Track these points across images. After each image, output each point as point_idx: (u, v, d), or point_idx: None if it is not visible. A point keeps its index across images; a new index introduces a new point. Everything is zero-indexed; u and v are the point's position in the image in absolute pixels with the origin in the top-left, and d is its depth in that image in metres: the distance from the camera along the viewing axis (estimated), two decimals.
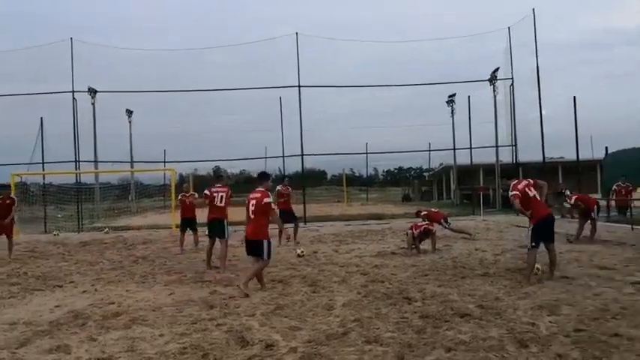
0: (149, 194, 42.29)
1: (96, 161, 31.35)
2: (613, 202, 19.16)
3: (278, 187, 15.90)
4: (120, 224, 27.29)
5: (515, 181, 8.91)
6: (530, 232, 8.60)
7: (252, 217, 8.50)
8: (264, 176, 9.15)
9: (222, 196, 11.04)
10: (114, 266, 11.84)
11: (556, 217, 14.24)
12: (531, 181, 8.87)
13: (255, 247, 8.46)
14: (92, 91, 30.34)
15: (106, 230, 23.12)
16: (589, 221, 13.83)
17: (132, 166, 35.50)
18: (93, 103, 31.13)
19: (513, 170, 10.67)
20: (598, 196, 23.43)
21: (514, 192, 8.67)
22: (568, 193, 19.41)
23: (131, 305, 7.62)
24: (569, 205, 14.83)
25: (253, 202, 8.49)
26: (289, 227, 15.92)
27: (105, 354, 5.34)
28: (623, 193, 17.70)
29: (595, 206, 14.15)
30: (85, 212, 28.74)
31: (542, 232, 8.50)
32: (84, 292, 8.86)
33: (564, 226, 15.70)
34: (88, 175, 32.37)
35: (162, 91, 29.24)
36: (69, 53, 26.25)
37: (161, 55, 29.62)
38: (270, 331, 6.01)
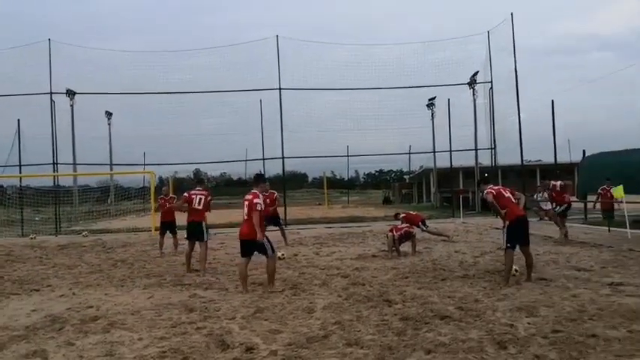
0: (129, 197, 41.86)
1: (75, 163, 30.98)
2: (598, 205, 19.27)
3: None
4: (99, 227, 27.01)
5: (491, 186, 9.07)
6: (505, 232, 8.70)
7: (245, 217, 8.57)
8: (259, 178, 9.30)
9: (200, 199, 10.98)
10: (92, 270, 11.71)
11: (533, 219, 14.47)
12: (508, 189, 9.06)
13: (251, 246, 8.56)
14: (71, 93, 30.03)
15: (84, 233, 22.89)
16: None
17: (111, 169, 35.13)
18: (71, 105, 30.80)
19: (487, 174, 10.77)
20: (574, 198, 23.69)
21: (489, 190, 8.84)
22: (545, 195, 19.61)
23: (110, 309, 7.54)
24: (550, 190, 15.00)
25: (246, 203, 8.57)
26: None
27: (83, 358, 5.29)
28: (609, 196, 17.31)
29: (567, 205, 14.69)
30: (63, 215, 28.38)
31: (517, 233, 8.59)
32: (61, 296, 8.75)
33: (543, 229, 15.91)
34: (66, 178, 31.99)
35: (141, 93, 28.97)
36: (47, 54, 25.96)
37: (141, 57, 29.23)
38: (250, 334, 5.99)
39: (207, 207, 11.18)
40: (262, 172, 9.40)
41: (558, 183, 14.94)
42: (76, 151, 31.51)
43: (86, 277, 10.60)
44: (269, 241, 8.62)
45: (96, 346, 5.69)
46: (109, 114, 37.60)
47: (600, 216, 19.29)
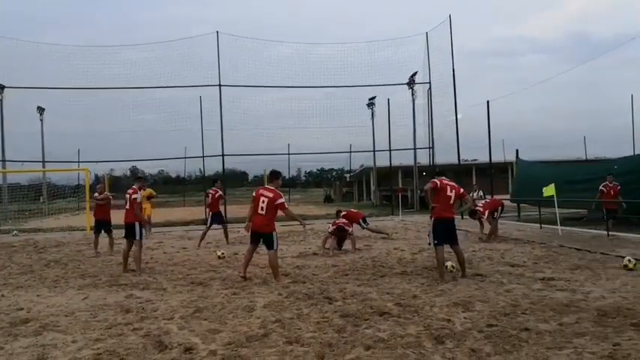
0: (62, 195, 40.52)
1: (4, 160, 29.76)
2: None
3: (209, 190, 16.12)
4: (30, 226, 26.02)
5: (442, 179, 9.05)
6: (431, 227, 8.90)
7: (261, 212, 8.90)
8: (276, 175, 9.45)
9: (134, 198, 10.68)
10: (23, 270, 11.26)
11: (469, 218, 14.82)
12: (461, 190, 9.10)
13: (264, 238, 9.03)
14: None
15: (14, 233, 22.03)
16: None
17: (44, 166, 33.87)
18: (0, 100, 29.58)
19: (440, 170, 11.00)
20: (507, 197, 24.48)
21: (436, 180, 8.90)
22: (481, 194, 20.05)
23: (42, 311, 7.28)
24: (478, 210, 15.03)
25: (264, 199, 8.90)
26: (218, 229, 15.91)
27: None
28: (612, 193, 15.42)
29: (500, 207, 15.02)
30: None
31: (442, 232, 8.79)
32: None
33: (479, 227, 16.32)
34: None
35: (75, 88, 27.91)
36: None
37: (75, 52, 28.28)
38: (189, 334, 5.89)
39: (137, 204, 10.78)
40: (278, 170, 9.59)
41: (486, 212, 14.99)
42: (5, 147, 30.26)
43: (16, 279, 10.19)
44: (277, 237, 9.17)
45: (27, 350, 5.47)
46: (40, 109, 36.22)
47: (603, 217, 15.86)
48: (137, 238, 10.62)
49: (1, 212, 30.85)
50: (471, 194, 16.28)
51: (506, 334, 5.46)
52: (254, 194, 9.12)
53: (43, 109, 36.27)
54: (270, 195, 8.95)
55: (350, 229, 13.02)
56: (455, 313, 6.50)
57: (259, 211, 8.94)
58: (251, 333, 5.82)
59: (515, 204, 23.26)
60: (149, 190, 19.65)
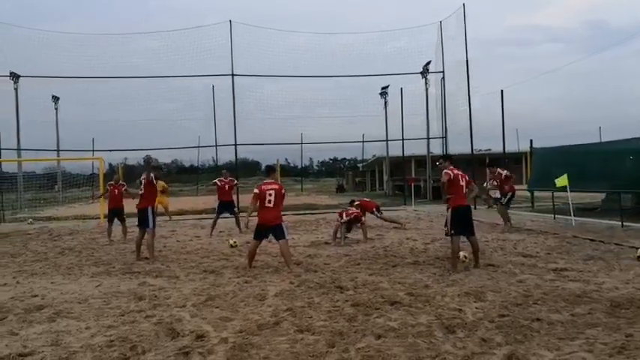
0: (77, 184, 40.85)
1: (19, 149, 29.99)
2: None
3: (216, 180, 16.10)
4: (45, 215, 26.27)
5: (452, 167, 9.07)
6: (450, 216, 8.86)
7: (269, 205, 9.07)
8: (273, 168, 9.98)
9: (141, 183, 10.88)
10: (38, 258, 11.40)
11: (482, 207, 14.77)
12: (467, 177, 9.09)
13: (274, 230, 9.15)
14: (14, 76, 29.03)
15: (29, 221, 22.25)
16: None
17: (58, 155, 34.15)
18: (16, 89, 29.81)
19: (450, 154, 10.96)
20: (523, 186, 24.33)
21: (449, 171, 8.92)
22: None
23: (56, 298, 7.36)
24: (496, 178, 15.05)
25: (271, 192, 9.10)
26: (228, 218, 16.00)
27: (27, 349, 5.13)
28: None
29: (512, 194, 14.98)
30: (7, 202, 27.50)
31: (460, 222, 8.78)
32: (4, 284, 8.49)
33: (491, 216, 16.28)
34: (10, 164, 30.92)
35: (89, 77, 28.04)
36: None
37: (89, 40, 28.41)
38: (201, 322, 5.94)
39: (149, 192, 10.91)
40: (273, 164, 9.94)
41: (504, 172, 15.08)
42: (21, 136, 30.50)
43: (31, 266, 10.31)
44: (286, 226, 9.36)
45: (41, 336, 5.54)
46: (55, 98, 36.42)
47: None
48: (150, 226, 10.69)
49: (17, 201, 31.17)
50: (485, 184, 16.23)
51: (518, 324, 5.44)
52: (257, 191, 9.19)
53: (58, 98, 36.48)
54: (276, 187, 9.23)
55: (363, 219, 13.03)
56: (466, 302, 6.48)
57: (267, 205, 9.05)
58: (262, 321, 5.85)
59: (529, 194, 23.08)
60: (161, 184, 19.91)
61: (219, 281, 8.24)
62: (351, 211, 12.97)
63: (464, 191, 8.94)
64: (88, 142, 34.73)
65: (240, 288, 7.68)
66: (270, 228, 9.17)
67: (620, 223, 14.14)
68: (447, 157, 9.47)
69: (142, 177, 10.95)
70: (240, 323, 5.82)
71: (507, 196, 14.84)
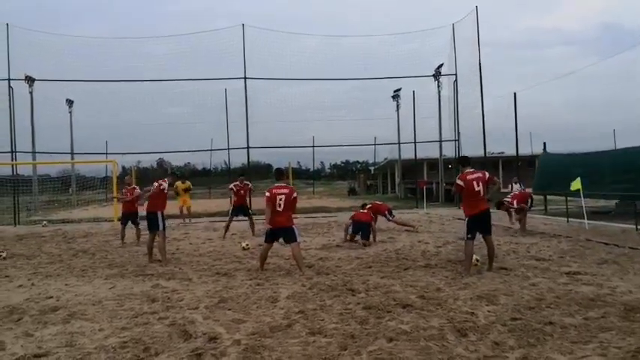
0: (91, 187, 41.14)
1: (34, 152, 30.27)
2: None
3: (231, 186, 16.31)
4: (59, 217, 26.48)
5: (468, 171, 8.90)
6: (465, 224, 8.81)
7: (279, 209, 9.06)
8: (282, 172, 10.05)
9: (162, 188, 11.00)
10: (52, 260, 11.50)
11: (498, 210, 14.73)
12: (487, 176, 8.86)
13: (285, 234, 9.20)
14: (30, 79, 29.31)
15: (44, 223, 22.45)
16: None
17: (72, 158, 34.41)
18: (30, 92, 30.11)
19: (467, 156, 10.88)
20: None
21: (460, 182, 8.83)
22: (517, 186, 19.97)
23: (70, 299, 7.43)
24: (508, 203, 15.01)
25: (282, 196, 9.10)
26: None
27: (42, 349, 5.19)
28: None
29: (529, 199, 14.97)
30: (22, 205, 27.72)
31: (477, 225, 8.72)
32: (20, 286, 8.58)
33: (503, 220, 16.20)
34: (25, 167, 31.23)
35: (103, 80, 28.34)
36: (4, 39, 25.25)
37: (103, 44, 28.69)
38: (213, 324, 5.96)
39: (159, 196, 11.07)
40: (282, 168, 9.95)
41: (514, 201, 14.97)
42: (36, 139, 30.81)
43: (46, 268, 10.41)
44: (297, 229, 9.34)
45: (55, 337, 5.59)
46: (69, 101, 36.72)
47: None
48: (160, 229, 10.78)
49: (32, 203, 31.45)
50: (510, 187, 16.28)
51: (531, 328, 5.42)
52: (268, 194, 9.18)
53: (72, 102, 36.78)
54: (286, 191, 9.21)
55: (372, 222, 13.12)
56: (479, 306, 6.46)
57: (277, 209, 9.06)
58: (274, 323, 5.87)
59: (542, 197, 22.95)
60: (188, 183, 21.00)
61: (231, 283, 8.27)
62: (360, 213, 13.22)
63: (481, 195, 8.74)
64: (101, 145, 35.01)
65: (253, 290, 7.71)
66: (281, 231, 9.19)
67: (634, 226, 14.03)
68: (462, 161, 9.37)
69: (158, 182, 11.05)
70: (253, 325, 5.84)
71: (529, 203, 14.99)
